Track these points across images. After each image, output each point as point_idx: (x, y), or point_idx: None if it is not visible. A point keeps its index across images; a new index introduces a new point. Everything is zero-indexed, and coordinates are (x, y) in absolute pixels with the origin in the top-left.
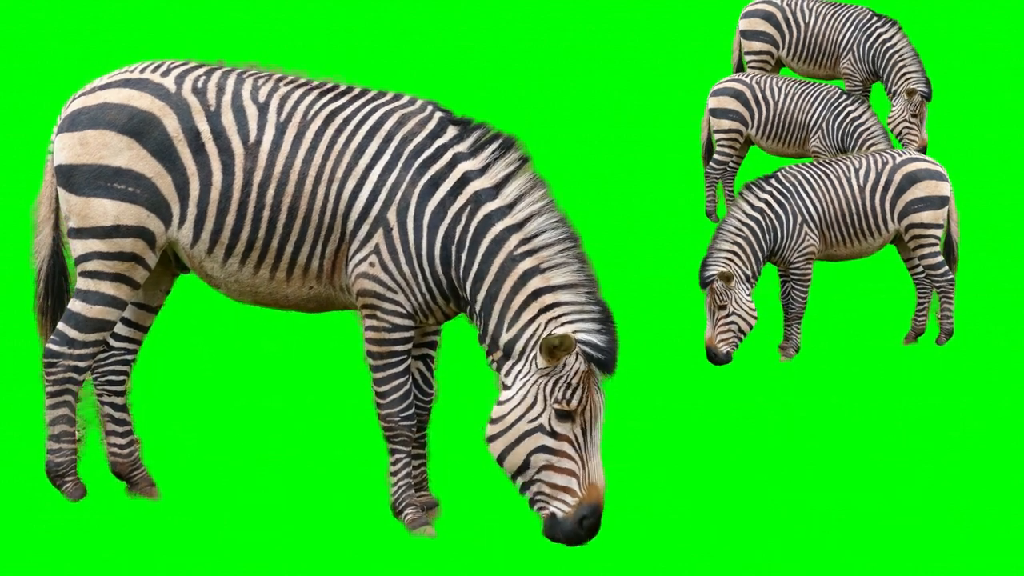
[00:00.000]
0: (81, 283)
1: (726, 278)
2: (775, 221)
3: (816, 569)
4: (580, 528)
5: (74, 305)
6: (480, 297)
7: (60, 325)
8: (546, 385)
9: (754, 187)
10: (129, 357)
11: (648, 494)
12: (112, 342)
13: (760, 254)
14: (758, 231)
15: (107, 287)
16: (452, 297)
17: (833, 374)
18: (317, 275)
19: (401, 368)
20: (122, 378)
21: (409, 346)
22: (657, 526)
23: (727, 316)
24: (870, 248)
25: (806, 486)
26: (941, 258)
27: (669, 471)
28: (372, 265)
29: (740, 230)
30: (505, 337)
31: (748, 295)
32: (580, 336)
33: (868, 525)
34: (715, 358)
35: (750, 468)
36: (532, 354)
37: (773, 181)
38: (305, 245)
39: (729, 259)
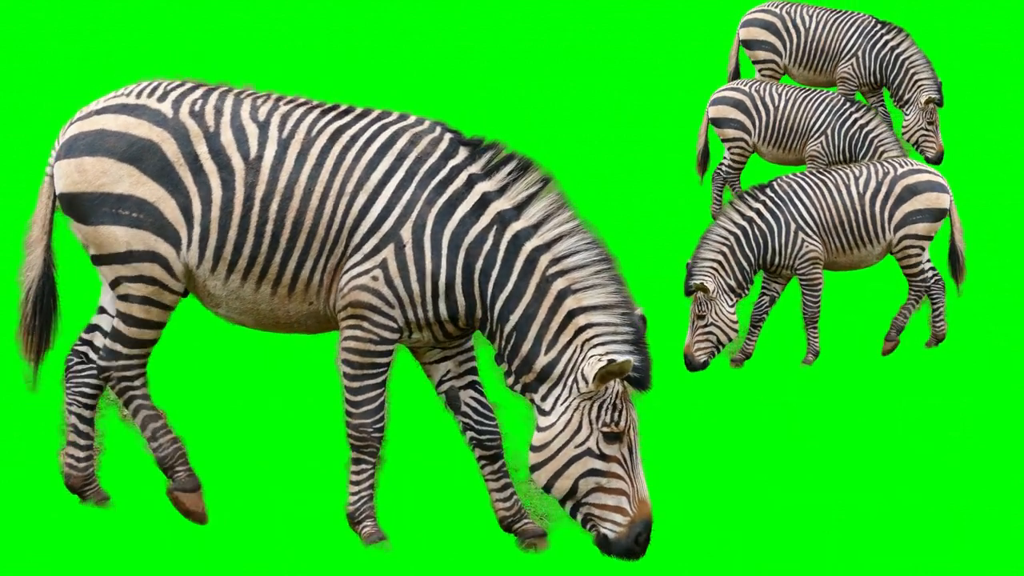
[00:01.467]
0: (118, 305)
1: (703, 289)
2: (765, 230)
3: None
4: (636, 545)
5: (116, 323)
6: (514, 317)
7: (107, 341)
8: (590, 409)
9: (747, 196)
10: None
11: (659, 499)
12: (91, 355)
13: (746, 264)
14: (743, 241)
15: (137, 310)
16: (466, 316)
17: (848, 381)
18: (317, 291)
19: (379, 380)
20: (95, 392)
21: (391, 359)
22: (663, 531)
23: (705, 326)
24: (869, 257)
25: (820, 492)
26: (923, 266)
27: (678, 477)
28: (375, 279)
29: (725, 239)
30: (542, 360)
31: (731, 306)
32: (614, 357)
33: (885, 530)
34: (691, 366)
35: (765, 473)
36: (571, 378)
37: (768, 190)
38: (308, 260)
39: (713, 269)
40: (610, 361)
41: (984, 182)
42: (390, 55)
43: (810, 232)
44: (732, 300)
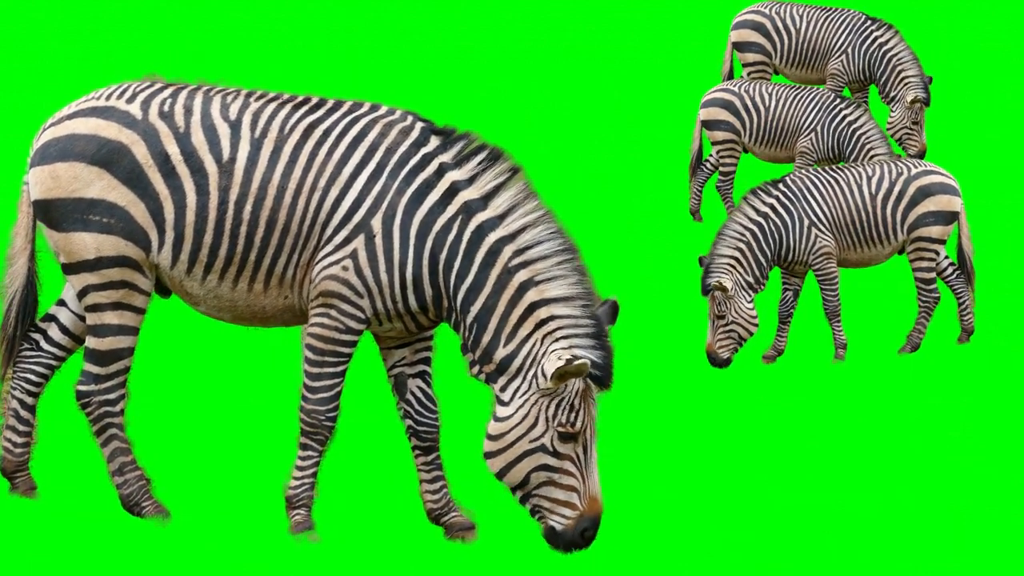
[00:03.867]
0: (88, 318)
1: (721, 288)
2: (780, 225)
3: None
4: (581, 539)
5: (89, 342)
6: (475, 309)
7: (84, 364)
8: (548, 406)
9: (760, 192)
10: (55, 363)
11: (669, 502)
12: (43, 344)
13: (763, 259)
14: (760, 236)
15: (110, 317)
16: (435, 307)
17: (876, 375)
18: (291, 284)
19: (339, 369)
20: (40, 380)
21: (353, 349)
22: (671, 533)
23: (726, 324)
24: (880, 255)
25: (851, 488)
26: (935, 275)
27: (711, 472)
28: (345, 269)
29: (742, 236)
30: (501, 352)
31: (749, 302)
32: (576, 352)
33: (896, 531)
34: (714, 363)
35: (797, 469)
36: (531, 372)
37: (781, 186)
38: (283, 256)
39: (731, 266)
40: (568, 361)
41: (975, 179)
42: (386, 53)
43: (822, 228)
44: (750, 296)
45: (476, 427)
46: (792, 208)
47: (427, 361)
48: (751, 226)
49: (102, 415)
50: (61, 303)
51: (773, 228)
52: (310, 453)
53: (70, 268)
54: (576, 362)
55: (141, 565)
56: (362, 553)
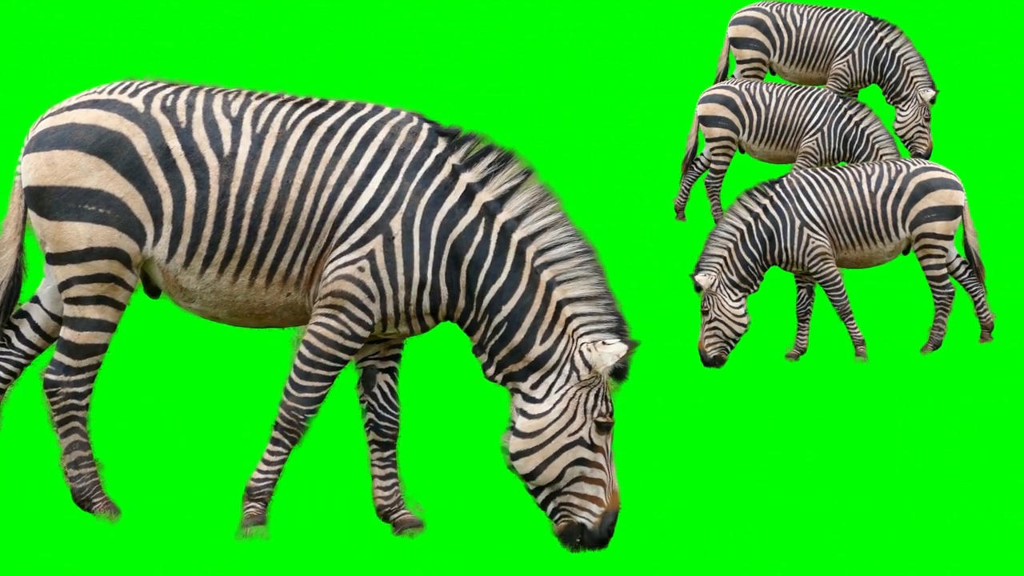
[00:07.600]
0: (68, 310)
1: (698, 287)
2: (770, 226)
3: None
4: (607, 535)
5: (65, 333)
6: (507, 308)
7: (56, 354)
8: (586, 398)
9: (755, 192)
10: (24, 361)
11: (694, 502)
12: (14, 341)
13: (750, 259)
14: (747, 236)
15: (91, 311)
16: (448, 308)
17: (895, 375)
18: (296, 282)
19: (331, 373)
20: (9, 377)
21: (351, 357)
22: (674, 534)
23: (710, 322)
24: (880, 254)
25: (860, 491)
26: (946, 271)
27: (702, 478)
28: (361, 270)
29: (731, 236)
30: (538, 350)
31: (735, 301)
32: (612, 342)
33: (927, 530)
34: (705, 361)
35: (806, 471)
36: (567, 367)
37: (777, 186)
38: (288, 252)
39: (720, 265)
40: (629, 345)
41: (981, 179)
42: (385, 52)
43: (816, 228)
44: (737, 295)
45: (435, 429)
46: (784, 209)
47: (397, 358)
48: (741, 226)
49: (67, 407)
50: (35, 300)
51: (762, 229)
52: (280, 449)
53: (57, 258)
54: (627, 346)
55: (89, 560)
56: (311, 549)
